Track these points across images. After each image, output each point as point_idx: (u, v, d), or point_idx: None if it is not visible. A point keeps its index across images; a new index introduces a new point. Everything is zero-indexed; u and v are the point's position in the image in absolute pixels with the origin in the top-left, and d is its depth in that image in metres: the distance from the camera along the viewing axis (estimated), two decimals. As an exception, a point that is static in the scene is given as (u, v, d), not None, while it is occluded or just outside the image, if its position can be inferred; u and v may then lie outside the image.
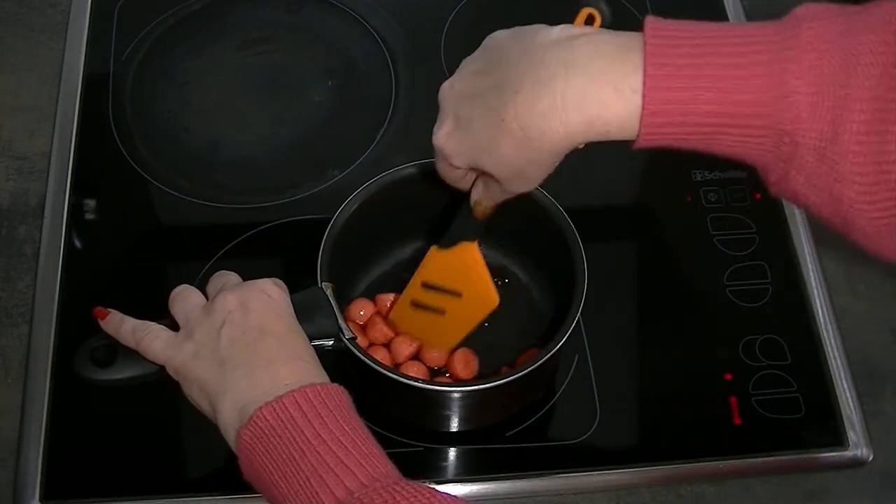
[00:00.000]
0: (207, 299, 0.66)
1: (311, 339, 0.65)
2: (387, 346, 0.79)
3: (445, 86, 0.61)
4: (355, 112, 0.97)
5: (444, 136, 0.61)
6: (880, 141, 0.49)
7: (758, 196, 0.90)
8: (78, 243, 0.87)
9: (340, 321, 0.68)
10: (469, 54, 0.61)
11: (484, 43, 0.61)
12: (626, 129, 0.54)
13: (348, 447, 0.55)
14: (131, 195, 0.91)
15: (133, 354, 0.65)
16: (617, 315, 0.85)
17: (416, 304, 0.76)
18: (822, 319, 0.85)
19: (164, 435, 0.78)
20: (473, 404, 0.76)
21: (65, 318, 0.82)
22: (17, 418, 0.78)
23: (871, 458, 0.79)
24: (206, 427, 0.62)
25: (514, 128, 0.55)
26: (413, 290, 0.76)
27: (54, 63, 0.97)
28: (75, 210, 0.88)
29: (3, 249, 0.86)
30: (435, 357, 0.78)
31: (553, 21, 0.58)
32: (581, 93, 0.53)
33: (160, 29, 1.01)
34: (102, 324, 0.67)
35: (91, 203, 0.90)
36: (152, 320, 0.65)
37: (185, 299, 0.66)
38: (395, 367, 0.77)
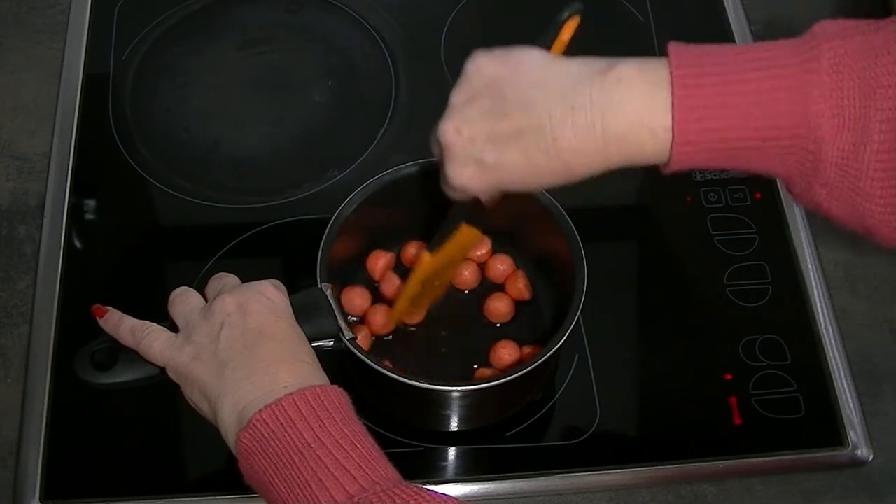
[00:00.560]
0: (207, 301, 0.66)
1: (311, 339, 0.65)
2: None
3: (450, 130, 0.61)
4: (355, 112, 0.97)
5: (468, 179, 0.62)
6: None
7: (758, 196, 0.90)
8: (78, 243, 0.87)
9: (340, 321, 0.68)
10: (469, 54, 0.61)
11: (468, 73, 0.61)
12: (659, 158, 0.57)
13: (348, 450, 0.55)
14: (131, 195, 0.91)
15: (133, 357, 0.65)
16: (617, 315, 0.85)
17: (416, 297, 0.77)
18: (822, 319, 0.85)
19: (165, 435, 0.78)
20: (473, 404, 0.76)
21: (65, 318, 0.82)
22: (17, 418, 0.78)
23: (871, 458, 0.79)
24: (206, 427, 0.62)
25: (558, 166, 0.59)
26: (411, 289, 0.76)
27: (54, 63, 0.97)
28: (75, 210, 0.88)
29: (3, 249, 0.86)
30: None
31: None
32: (621, 138, 0.56)
33: (160, 29, 1.01)
34: (101, 322, 0.66)
35: (91, 203, 0.90)
36: (152, 321, 0.65)
37: (184, 301, 0.66)
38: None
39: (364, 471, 0.54)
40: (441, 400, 0.75)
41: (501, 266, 0.83)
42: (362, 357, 0.69)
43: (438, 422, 0.78)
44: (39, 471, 0.75)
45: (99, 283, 0.85)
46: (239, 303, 0.63)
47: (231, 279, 0.67)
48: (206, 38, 1.01)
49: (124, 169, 0.91)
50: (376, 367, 0.69)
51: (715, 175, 0.91)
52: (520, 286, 0.81)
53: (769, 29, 1.03)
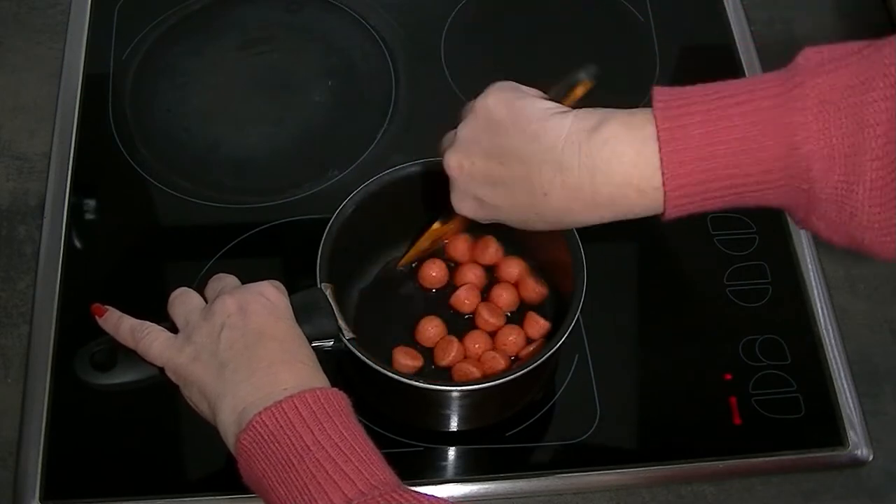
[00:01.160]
0: (206, 302, 0.66)
1: (311, 339, 0.65)
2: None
3: (453, 164, 0.63)
4: (355, 112, 0.97)
5: (468, 210, 0.66)
6: (895, 189, 0.52)
7: (758, 196, 0.90)
8: (78, 243, 0.87)
9: (340, 321, 0.68)
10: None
11: (476, 109, 0.62)
12: (651, 212, 0.58)
13: (347, 453, 0.55)
14: (131, 195, 0.91)
15: (133, 358, 0.65)
16: (617, 315, 0.85)
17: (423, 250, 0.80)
18: (822, 319, 0.85)
19: (165, 435, 0.78)
20: (473, 404, 0.76)
21: (65, 318, 0.82)
22: (17, 418, 0.78)
23: (871, 458, 0.79)
24: (206, 427, 0.62)
25: (550, 218, 0.61)
26: (422, 244, 0.79)
27: (54, 63, 0.97)
28: (75, 210, 0.88)
29: (3, 249, 0.86)
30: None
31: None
32: (611, 198, 0.58)
33: (160, 29, 1.01)
34: (100, 321, 0.66)
35: (91, 203, 0.90)
36: (152, 321, 0.65)
37: (184, 302, 0.66)
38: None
39: (363, 475, 0.54)
40: (441, 400, 0.75)
41: (514, 270, 0.82)
42: (362, 357, 0.69)
43: (438, 422, 0.78)
44: (39, 471, 0.75)
45: (99, 283, 0.85)
46: (239, 304, 0.63)
47: (231, 280, 0.67)
48: (206, 38, 1.01)
49: (124, 169, 0.91)
50: (376, 367, 0.69)
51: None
52: (531, 289, 0.81)
53: (769, 29, 1.03)
